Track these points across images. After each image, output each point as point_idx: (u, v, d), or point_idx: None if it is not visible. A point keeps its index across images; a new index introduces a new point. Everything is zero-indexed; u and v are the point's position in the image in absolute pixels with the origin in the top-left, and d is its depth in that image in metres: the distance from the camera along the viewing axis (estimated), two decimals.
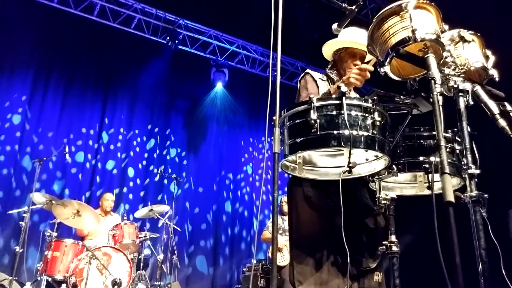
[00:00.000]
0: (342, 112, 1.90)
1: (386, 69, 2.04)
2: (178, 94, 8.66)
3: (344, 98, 1.93)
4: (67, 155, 5.28)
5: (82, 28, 7.72)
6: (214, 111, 8.99)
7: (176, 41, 8.23)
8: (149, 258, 6.26)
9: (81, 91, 7.62)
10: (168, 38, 8.17)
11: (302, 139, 1.94)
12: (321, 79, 2.70)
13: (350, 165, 1.85)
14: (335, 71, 2.75)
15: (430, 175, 1.83)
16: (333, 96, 1.99)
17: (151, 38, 8.19)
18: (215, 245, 8.18)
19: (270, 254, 5.74)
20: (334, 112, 1.93)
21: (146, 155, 8.09)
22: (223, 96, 9.15)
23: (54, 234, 4.91)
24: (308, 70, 2.78)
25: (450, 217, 1.29)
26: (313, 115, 1.91)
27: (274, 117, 1.96)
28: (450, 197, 1.24)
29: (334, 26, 2.68)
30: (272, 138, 1.95)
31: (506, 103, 1.75)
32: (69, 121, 7.39)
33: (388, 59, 1.99)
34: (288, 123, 2.04)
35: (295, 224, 2.39)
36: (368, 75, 2.36)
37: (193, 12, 8.28)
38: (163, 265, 5.80)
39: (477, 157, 1.77)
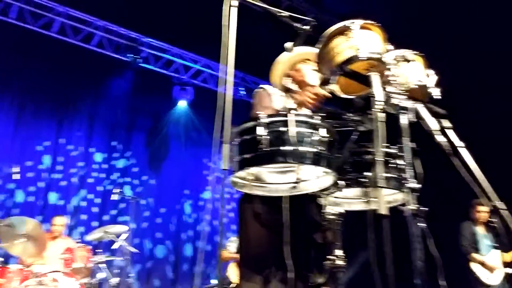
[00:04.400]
0: (290, 128, 1.91)
1: (333, 86, 2.09)
2: (140, 113, 8.50)
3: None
4: (18, 176, 5.04)
5: (39, 44, 7.49)
6: (177, 129, 8.88)
7: (139, 59, 8.14)
8: (104, 282, 5.99)
9: (37, 109, 7.36)
10: (130, 56, 8.07)
11: (250, 155, 1.94)
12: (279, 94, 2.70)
13: (296, 181, 1.85)
14: (293, 83, 2.75)
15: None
16: (280, 112, 2.00)
17: (112, 56, 8.06)
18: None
19: (227, 274, 5.67)
20: (282, 129, 1.94)
21: (104, 174, 7.86)
22: (187, 115, 9.06)
23: (0, 259, 4.64)
24: (263, 85, 2.77)
25: (385, 230, 1.31)
26: (261, 132, 1.92)
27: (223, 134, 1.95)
28: (384, 210, 1.26)
29: (287, 45, 2.72)
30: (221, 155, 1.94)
31: (443, 120, 1.81)
32: (22, 141, 7.10)
33: (334, 77, 2.04)
34: (237, 139, 2.04)
35: (244, 243, 2.36)
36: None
37: (156, 30, 8.23)
38: None
39: (418, 172, 1.82)
